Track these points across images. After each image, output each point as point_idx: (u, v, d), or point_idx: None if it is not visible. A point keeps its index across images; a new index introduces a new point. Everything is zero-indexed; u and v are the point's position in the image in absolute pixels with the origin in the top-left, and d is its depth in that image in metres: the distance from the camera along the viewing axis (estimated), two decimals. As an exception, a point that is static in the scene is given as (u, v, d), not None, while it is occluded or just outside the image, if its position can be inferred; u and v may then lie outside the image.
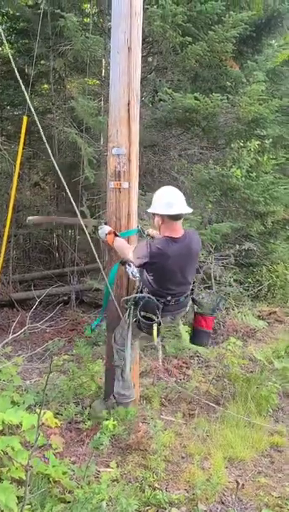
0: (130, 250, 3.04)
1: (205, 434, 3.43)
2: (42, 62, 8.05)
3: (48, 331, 6.10)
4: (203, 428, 3.49)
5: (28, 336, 5.92)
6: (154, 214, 3.03)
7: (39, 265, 9.29)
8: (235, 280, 6.53)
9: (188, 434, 3.43)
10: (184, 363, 4.79)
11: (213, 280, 6.13)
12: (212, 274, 6.12)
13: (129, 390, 3.38)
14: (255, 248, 6.66)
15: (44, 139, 3.24)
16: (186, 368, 4.69)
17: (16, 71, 3.01)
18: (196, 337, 3.44)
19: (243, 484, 2.79)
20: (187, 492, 2.78)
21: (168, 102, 4.55)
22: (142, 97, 4.84)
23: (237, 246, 6.36)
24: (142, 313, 3.00)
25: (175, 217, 2.89)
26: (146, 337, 3.21)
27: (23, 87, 3.00)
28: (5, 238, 5.63)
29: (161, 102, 4.64)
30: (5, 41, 3.14)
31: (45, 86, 9.18)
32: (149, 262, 2.80)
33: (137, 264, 2.92)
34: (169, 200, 2.90)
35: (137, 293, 3.15)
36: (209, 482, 2.80)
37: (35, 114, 3.08)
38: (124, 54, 3.22)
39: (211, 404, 3.77)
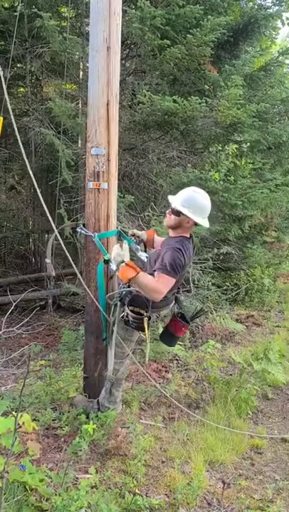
0: (160, 290, 2.76)
1: (185, 437, 3.39)
2: (18, 65, 7.96)
3: (24, 336, 5.96)
4: (183, 431, 3.45)
5: (4, 342, 5.78)
6: (178, 213, 2.87)
7: (15, 270, 9.10)
8: (213, 284, 6.55)
9: (169, 437, 3.39)
10: (163, 366, 4.75)
11: (191, 284, 6.13)
12: (190, 278, 6.12)
13: (115, 405, 3.34)
14: (233, 252, 6.70)
15: (19, 140, 3.20)
16: (166, 371, 4.64)
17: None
18: (165, 338, 3.39)
19: (228, 484, 2.76)
20: (168, 497, 2.73)
21: (146, 104, 4.54)
22: (120, 100, 4.82)
23: (215, 250, 6.39)
24: (130, 308, 2.95)
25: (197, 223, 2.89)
26: (131, 339, 3.16)
27: (4, 86, 2.96)
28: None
29: (140, 104, 4.62)
30: None
31: (22, 89, 9.08)
32: (184, 267, 2.83)
33: (174, 275, 2.71)
34: (205, 208, 2.88)
35: (121, 288, 3.09)
36: (190, 486, 2.76)
37: (11, 113, 3.03)
38: (103, 53, 3.19)
39: (188, 410, 3.72)
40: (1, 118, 5.07)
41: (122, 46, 3.69)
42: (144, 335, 2.95)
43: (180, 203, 2.85)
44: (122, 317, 3.07)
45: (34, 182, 3.26)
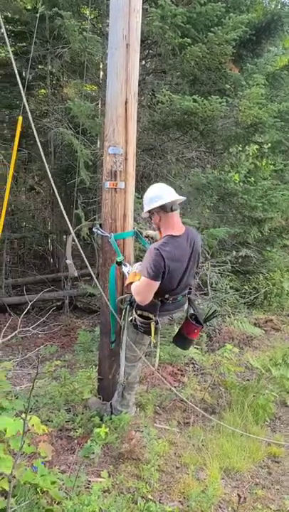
0: (141, 293, 2.79)
1: (200, 443, 3.30)
2: (39, 66, 8.03)
3: (40, 336, 5.98)
4: (198, 437, 3.37)
5: (20, 341, 5.80)
6: (150, 217, 2.94)
7: (33, 270, 9.16)
8: (231, 287, 6.44)
9: (183, 443, 3.31)
10: (179, 370, 4.67)
11: (209, 287, 6.04)
12: (208, 281, 6.03)
13: (127, 408, 3.30)
14: (252, 255, 6.59)
15: (38, 141, 3.18)
16: (181, 375, 4.57)
17: (17, 72, 2.97)
18: (178, 341, 3.30)
19: (245, 498, 2.66)
20: (182, 504, 2.65)
21: (166, 104, 4.49)
22: (139, 100, 4.79)
23: (234, 252, 6.29)
24: (139, 312, 2.89)
25: (169, 208, 2.78)
26: (142, 342, 3.10)
27: (21, 86, 2.96)
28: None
29: (159, 104, 4.57)
30: (9, 45, 3.05)
31: (42, 90, 9.15)
32: (166, 268, 2.66)
33: (152, 277, 2.66)
34: (156, 193, 2.83)
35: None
36: (204, 494, 2.67)
37: (29, 113, 3.02)
38: (123, 51, 3.16)
39: (205, 414, 3.64)
40: (20, 118, 5.10)
41: (141, 46, 3.65)
42: (155, 339, 2.89)
43: (143, 211, 2.95)
44: (131, 321, 3.01)
45: (52, 183, 3.26)
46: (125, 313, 3.10)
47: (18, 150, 5.69)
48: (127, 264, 3.20)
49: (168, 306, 2.88)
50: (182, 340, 3.23)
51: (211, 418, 3.29)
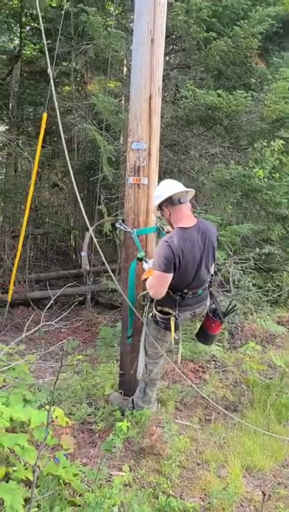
0: (154, 287, 2.81)
1: (222, 440, 3.28)
2: (64, 63, 8.09)
3: (62, 330, 6.04)
4: (220, 434, 3.35)
5: (43, 335, 5.88)
6: (161, 212, 2.95)
7: (56, 265, 9.28)
8: (254, 285, 6.36)
9: (204, 440, 3.29)
10: (200, 366, 4.65)
11: (231, 284, 5.98)
12: (231, 278, 5.97)
13: (149, 404, 3.30)
14: (275, 252, 6.48)
15: (62, 136, 3.21)
16: (203, 372, 4.54)
17: (47, 69, 3.00)
18: (200, 336, 3.28)
19: (269, 495, 2.63)
20: (203, 501, 2.64)
21: (190, 99, 4.45)
22: (163, 95, 4.76)
23: (257, 249, 6.20)
24: (159, 308, 2.89)
25: (177, 201, 2.79)
26: (164, 339, 3.09)
27: (52, 82, 2.99)
28: (21, 237, 5.62)
29: (183, 99, 4.54)
30: (44, 39, 3.09)
31: (67, 87, 9.23)
32: (176, 259, 2.65)
33: (164, 269, 2.67)
34: (161, 189, 2.89)
35: None
36: (226, 491, 2.66)
37: (57, 108, 3.05)
38: (147, 46, 3.14)
39: (227, 412, 3.61)
40: (45, 115, 5.16)
41: (166, 40, 3.63)
42: (176, 335, 2.88)
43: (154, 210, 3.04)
44: (152, 317, 3.01)
45: (72, 179, 3.28)
46: (146, 309, 3.10)
47: (42, 147, 5.76)
48: (148, 261, 3.20)
49: (188, 301, 2.86)
50: (204, 335, 3.20)
51: (233, 416, 3.25)
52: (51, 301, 4.20)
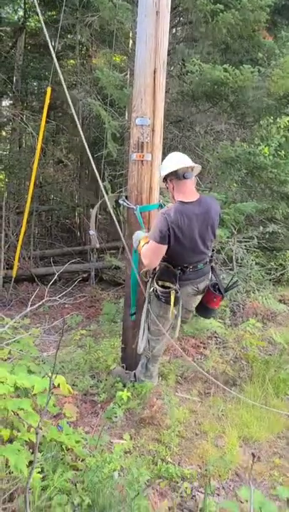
0: (148, 256, 2.88)
1: (220, 412, 3.37)
2: (68, 36, 7.94)
3: (66, 306, 6.14)
4: (218, 407, 3.43)
5: (47, 310, 5.97)
6: (166, 186, 2.97)
7: (60, 242, 9.34)
8: (257, 263, 6.38)
9: (203, 412, 3.39)
10: (201, 343, 4.73)
11: (234, 262, 6.01)
12: (234, 256, 6.00)
13: (151, 379, 3.37)
14: (279, 231, 6.48)
15: (73, 109, 3.19)
16: (204, 347, 4.63)
17: (48, 42, 2.97)
18: (200, 310, 3.30)
19: (258, 457, 2.73)
20: (200, 468, 2.74)
21: (196, 73, 4.39)
22: (168, 69, 4.69)
23: (261, 228, 6.20)
24: (160, 283, 2.93)
25: (182, 175, 2.81)
26: (166, 316, 3.14)
27: (55, 59, 2.96)
28: (26, 213, 5.64)
29: (189, 74, 4.48)
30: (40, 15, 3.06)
31: (71, 61, 9.08)
32: (171, 231, 2.69)
33: (159, 241, 2.73)
34: (171, 160, 2.91)
35: None
36: (223, 459, 2.76)
37: (63, 82, 3.03)
38: (152, 18, 3.09)
39: (224, 386, 3.69)
40: (49, 89, 5.10)
41: (172, 13, 3.57)
42: (175, 310, 2.93)
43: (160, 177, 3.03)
44: (153, 291, 3.05)
45: (89, 153, 3.27)
46: (149, 285, 3.14)
47: (47, 122, 5.71)
48: (126, 201, 3.31)
49: (189, 275, 2.90)
50: (203, 309, 3.24)
51: (230, 391, 3.33)
52: (55, 277, 4.26)
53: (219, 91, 4.60)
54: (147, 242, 2.86)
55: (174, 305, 2.89)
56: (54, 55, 3.10)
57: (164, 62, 3.22)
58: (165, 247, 2.75)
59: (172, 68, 5.31)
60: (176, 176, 2.82)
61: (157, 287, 2.96)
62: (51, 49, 3.06)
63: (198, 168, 2.97)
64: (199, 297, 3.13)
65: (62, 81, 3.06)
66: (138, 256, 3.33)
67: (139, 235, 3.12)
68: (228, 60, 4.81)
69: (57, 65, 3.06)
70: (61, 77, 3.05)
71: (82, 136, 3.20)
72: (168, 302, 2.92)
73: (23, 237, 5.86)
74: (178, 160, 2.88)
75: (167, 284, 2.91)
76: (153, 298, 3.12)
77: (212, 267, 3.11)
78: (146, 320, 3.22)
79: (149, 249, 2.83)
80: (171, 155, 2.99)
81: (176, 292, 2.86)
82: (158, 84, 3.21)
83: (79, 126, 3.22)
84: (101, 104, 5.20)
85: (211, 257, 3.07)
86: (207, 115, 5.44)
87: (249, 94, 4.75)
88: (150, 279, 3.11)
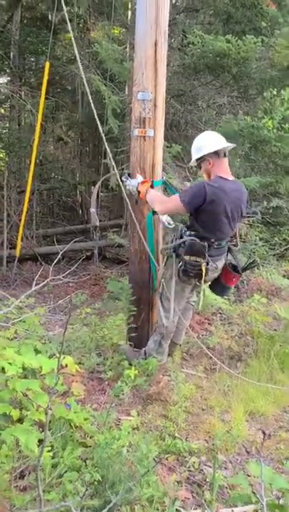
0: (165, 204, 3.04)
1: (226, 388, 3.42)
2: (66, 8, 7.69)
3: (70, 284, 6.15)
4: (224, 382, 3.48)
5: (52, 289, 5.98)
6: (200, 163, 3.00)
7: (62, 221, 9.29)
8: (261, 239, 6.34)
9: (209, 387, 3.43)
10: (206, 319, 4.76)
11: (238, 238, 5.97)
12: (237, 232, 5.95)
13: (162, 356, 3.39)
14: (283, 206, 6.41)
15: (87, 88, 3.12)
16: (209, 324, 4.66)
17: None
18: (216, 288, 3.34)
19: (269, 435, 2.78)
20: (207, 442, 2.79)
21: (198, 45, 4.26)
22: (169, 41, 4.55)
23: (265, 203, 6.13)
24: (187, 257, 2.93)
25: (222, 154, 2.90)
26: (182, 294, 3.18)
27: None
28: (27, 192, 5.59)
29: (191, 45, 4.34)
30: None
31: (69, 35, 8.81)
32: (207, 201, 2.74)
33: (186, 202, 2.80)
34: (208, 139, 2.96)
35: (174, 241, 3.07)
36: (229, 434, 2.80)
37: (78, 59, 2.94)
38: (152, -13, 2.98)
39: (226, 367, 3.72)
40: (48, 64, 4.97)
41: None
42: (201, 283, 2.99)
43: (192, 160, 3.06)
44: (180, 267, 3.05)
45: (100, 129, 3.20)
46: (172, 261, 3.13)
47: (46, 98, 5.59)
48: (129, 178, 3.31)
49: (211, 252, 2.92)
50: (221, 287, 3.31)
51: (231, 371, 3.35)
52: (59, 256, 4.25)
53: (221, 63, 4.47)
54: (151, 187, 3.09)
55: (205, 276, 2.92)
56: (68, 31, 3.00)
57: (165, 33, 3.13)
58: (184, 211, 2.88)
59: (173, 40, 5.16)
60: (217, 154, 2.89)
61: (187, 260, 2.95)
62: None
63: (231, 146, 3.01)
64: (215, 275, 3.17)
65: (78, 57, 2.96)
66: (153, 231, 3.32)
67: (134, 181, 3.23)
68: (231, 30, 4.65)
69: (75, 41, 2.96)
70: (76, 52, 2.95)
71: (95, 114, 3.12)
72: (197, 276, 2.93)
73: (26, 217, 5.82)
74: (218, 139, 2.94)
75: (194, 258, 2.92)
76: (173, 276, 3.11)
77: (229, 248, 3.13)
78: (161, 297, 3.25)
79: (171, 201, 2.99)
80: (205, 135, 3.04)
81: (207, 264, 2.88)
82: (159, 56, 3.13)
83: (91, 103, 3.14)
84: (101, 79, 5.08)
85: (232, 237, 3.12)
86: (209, 88, 5.31)
87: (252, 66, 4.63)
88: (174, 256, 3.09)
